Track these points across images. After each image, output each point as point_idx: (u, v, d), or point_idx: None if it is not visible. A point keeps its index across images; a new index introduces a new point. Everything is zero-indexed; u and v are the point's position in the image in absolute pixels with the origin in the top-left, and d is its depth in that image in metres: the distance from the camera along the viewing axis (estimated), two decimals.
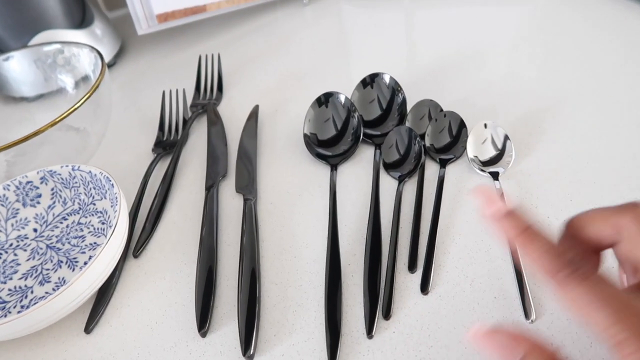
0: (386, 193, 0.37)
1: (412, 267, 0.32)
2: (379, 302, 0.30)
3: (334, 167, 0.39)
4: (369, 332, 0.29)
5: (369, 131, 0.42)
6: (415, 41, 0.57)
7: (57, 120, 0.37)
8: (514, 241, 0.21)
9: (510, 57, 0.51)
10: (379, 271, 0.32)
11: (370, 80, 0.43)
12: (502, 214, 0.21)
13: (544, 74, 0.47)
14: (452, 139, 0.39)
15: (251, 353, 0.28)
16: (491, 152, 0.37)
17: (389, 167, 0.39)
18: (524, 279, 0.30)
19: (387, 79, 0.43)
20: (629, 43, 0.50)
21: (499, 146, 0.37)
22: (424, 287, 0.31)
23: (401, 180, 0.37)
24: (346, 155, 0.40)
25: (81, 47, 0.48)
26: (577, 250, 0.21)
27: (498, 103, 0.44)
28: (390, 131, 0.40)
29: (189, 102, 0.52)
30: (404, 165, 0.38)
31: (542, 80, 0.47)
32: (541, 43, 0.52)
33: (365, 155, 0.41)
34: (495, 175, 0.36)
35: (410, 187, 0.38)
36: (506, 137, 0.38)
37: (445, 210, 0.35)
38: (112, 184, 0.35)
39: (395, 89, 0.43)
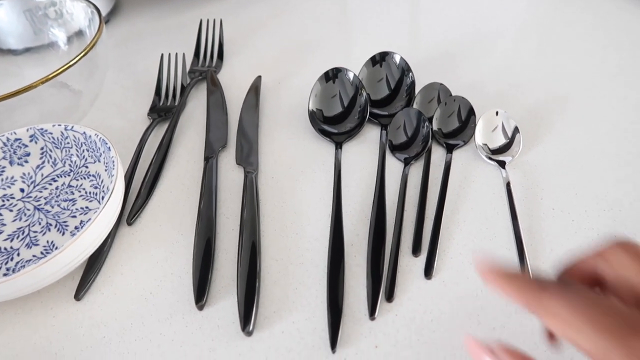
0: (391, 175, 0.37)
1: (416, 250, 0.31)
2: (381, 284, 0.30)
3: (338, 145, 0.38)
4: (372, 313, 0.28)
5: (375, 111, 0.41)
6: (421, 21, 0.56)
7: (51, 76, 0.35)
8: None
9: (520, 45, 0.50)
10: (383, 253, 0.31)
11: (380, 59, 0.42)
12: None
13: (554, 65, 0.47)
14: (460, 124, 0.39)
15: (250, 329, 0.28)
16: (501, 141, 0.37)
17: (396, 148, 0.38)
18: (529, 269, 0.30)
19: (397, 58, 0.42)
20: None
21: (509, 135, 0.37)
22: (428, 271, 0.30)
23: (407, 162, 0.37)
24: (352, 133, 0.39)
25: (76, 1, 0.46)
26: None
27: (506, 91, 0.44)
28: (397, 112, 0.39)
29: (188, 67, 0.50)
30: (411, 148, 0.37)
31: (551, 71, 0.46)
32: (551, 33, 0.52)
33: (371, 135, 0.40)
34: (502, 164, 0.36)
35: (416, 170, 0.37)
36: (516, 127, 0.37)
37: (450, 196, 0.35)
38: (109, 147, 0.34)
39: (404, 69, 0.42)
